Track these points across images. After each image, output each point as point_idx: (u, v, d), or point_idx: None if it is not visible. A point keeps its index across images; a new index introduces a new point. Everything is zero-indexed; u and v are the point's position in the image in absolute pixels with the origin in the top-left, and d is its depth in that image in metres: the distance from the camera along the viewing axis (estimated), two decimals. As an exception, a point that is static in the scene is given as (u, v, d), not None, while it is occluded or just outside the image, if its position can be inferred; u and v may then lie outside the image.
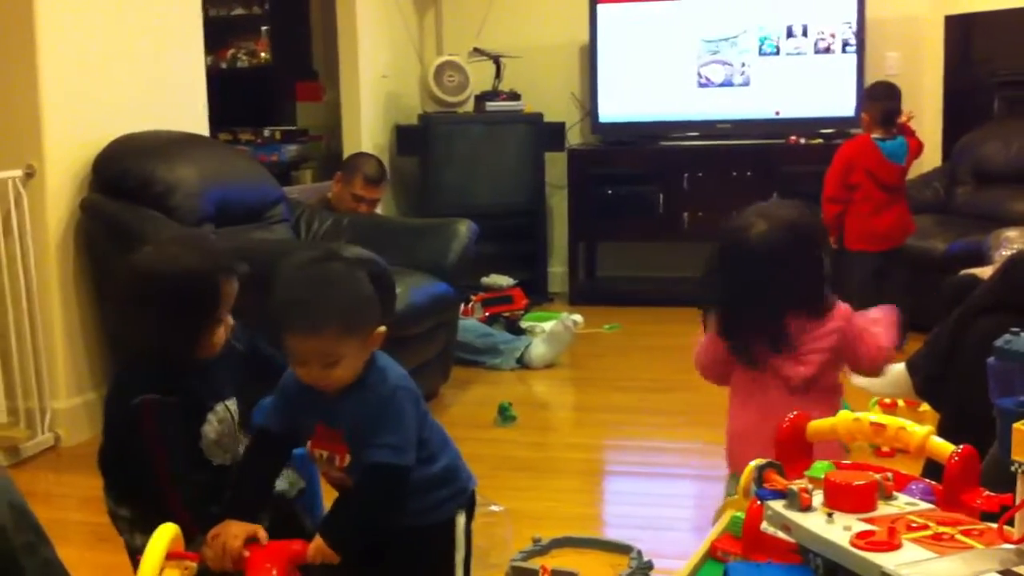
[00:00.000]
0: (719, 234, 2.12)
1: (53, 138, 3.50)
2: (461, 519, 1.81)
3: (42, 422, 3.48)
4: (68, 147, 3.57)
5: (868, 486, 1.30)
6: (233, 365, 1.88)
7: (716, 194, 5.35)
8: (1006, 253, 3.04)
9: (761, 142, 5.51)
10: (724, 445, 2.19)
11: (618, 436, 3.70)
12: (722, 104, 5.65)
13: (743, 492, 1.45)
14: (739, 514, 1.47)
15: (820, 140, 5.40)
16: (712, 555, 1.50)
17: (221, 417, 1.83)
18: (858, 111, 4.85)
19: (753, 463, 1.43)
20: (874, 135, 4.29)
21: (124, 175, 3.59)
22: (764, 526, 1.36)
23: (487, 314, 4.78)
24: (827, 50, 5.51)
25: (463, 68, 5.71)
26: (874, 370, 2.17)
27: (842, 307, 2.09)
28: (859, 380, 2.55)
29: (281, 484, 1.89)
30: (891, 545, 1.17)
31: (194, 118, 4.17)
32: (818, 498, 1.31)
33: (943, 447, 1.34)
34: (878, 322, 2.15)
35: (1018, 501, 1.18)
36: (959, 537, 1.20)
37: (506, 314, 4.81)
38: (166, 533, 1.52)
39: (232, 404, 1.86)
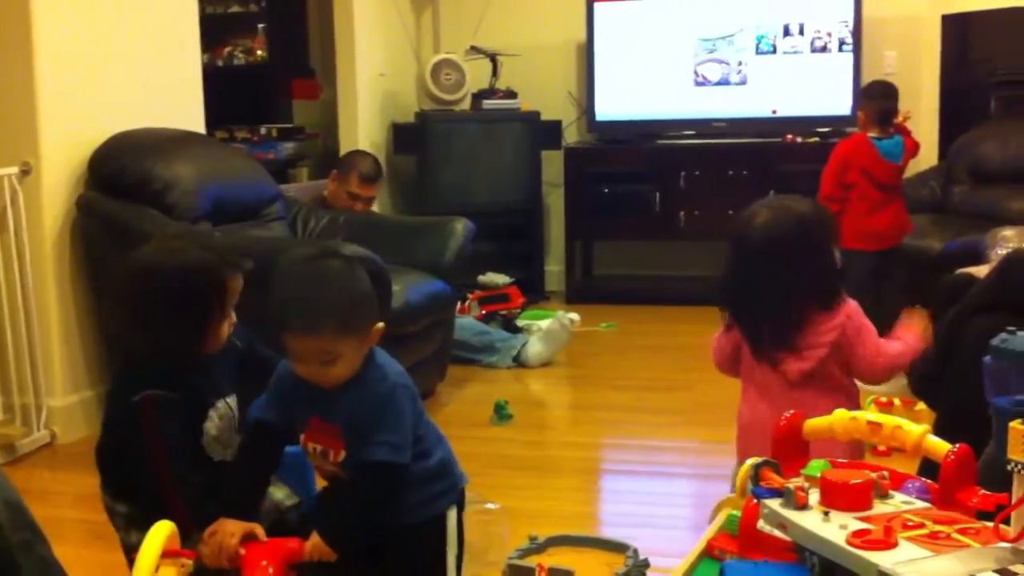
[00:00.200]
0: (730, 225, 2.15)
1: (49, 135, 3.49)
2: (452, 516, 1.81)
3: (38, 419, 3.48)
4: (64, 144, 3.56)
5: (864, 485, 1.30)
6: (233, 362, 1.88)
7: (713, 193, 5.36)
8: (1002, 252, 3.04)
9: (757, 141, 5.50)
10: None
11: (615, 434, 3.69)
12: (719, 103, 5.65)
13: (739, 491, 1.46)
14: (736, 512, 1.47)
15: (817, 139, 5.39)
16: (709, 553, 1.50)
17: (222, 413, 1.83)
18: (855, 110, 4.85)
19: (749, 461, 1.43)
20: (871, 134, 4.28)
21: (121, 172, 3.58)
22: (760, 524, 1.36)
23: (484, 312, 4.77)
24: (824, 49, 5.51)
25: (460, 66, 5.70)
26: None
27: (850, 303, 2.09)
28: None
29: (277, 494, 1.89)
30: (887, 544, 1.17)
31: (191, 115, 4.16)
32: (814, 497, 1.31)
33: (939, 446, 1.34)
34: (897, 336, 2.15)
35: (1014, 500, 1.18)
36: (955, 536, 1.20)
37: (503, 312, 4.81)
38: (162, 530, 1.52)
39: (232, 400, 1.86)
